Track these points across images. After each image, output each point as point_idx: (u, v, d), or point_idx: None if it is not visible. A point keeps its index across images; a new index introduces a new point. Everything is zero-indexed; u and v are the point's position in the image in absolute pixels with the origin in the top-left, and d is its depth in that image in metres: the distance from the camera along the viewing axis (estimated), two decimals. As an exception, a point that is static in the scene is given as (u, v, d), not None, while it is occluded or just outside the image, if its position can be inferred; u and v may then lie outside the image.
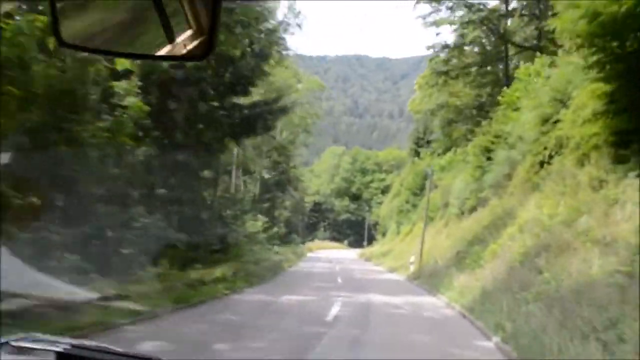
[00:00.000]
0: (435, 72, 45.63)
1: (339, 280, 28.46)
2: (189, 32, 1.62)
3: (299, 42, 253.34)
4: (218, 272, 22.25)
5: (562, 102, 20.29)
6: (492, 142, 32.05)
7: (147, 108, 15.79)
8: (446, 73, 44.86)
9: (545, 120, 22.26)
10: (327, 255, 63.74)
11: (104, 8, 1.62)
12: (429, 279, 26.47)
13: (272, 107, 27.04)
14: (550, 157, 21.12)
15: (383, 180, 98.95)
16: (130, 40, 1.67)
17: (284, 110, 28.67)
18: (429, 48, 46.23)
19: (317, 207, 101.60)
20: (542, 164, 22.01)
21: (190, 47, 1.61)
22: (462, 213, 33.88)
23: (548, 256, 13.76)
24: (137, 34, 1.65)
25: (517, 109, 28.82)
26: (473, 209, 31.92)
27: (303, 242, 79.26)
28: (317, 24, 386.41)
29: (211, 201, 33.78)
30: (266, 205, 46.71)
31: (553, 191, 17.79)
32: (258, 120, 26.43)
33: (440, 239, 34.66)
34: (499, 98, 33.81)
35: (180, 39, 1.61)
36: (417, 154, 60.03)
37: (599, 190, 14.03)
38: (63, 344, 1.80)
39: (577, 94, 18.21)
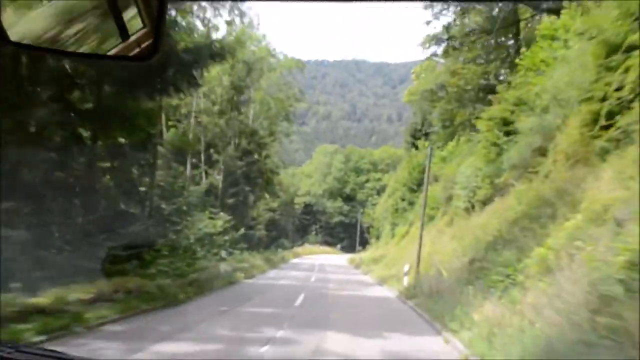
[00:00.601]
0: (434, 39, 36.61)
1: (299, 300, 19.41)
2: (136, 34, 1.58)
3: (296, 47, 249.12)
4: (106, 288, 13.75)
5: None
6: (512, 112, 23.27)
7: None
8: (448, 40, 35.90)
9: (612, 50, 13.63)
10: (312, 261, 54.74)
11: (52, 6, 1.55)
12: (428, 299, 17.46)
13: (200, 54, 18.16)
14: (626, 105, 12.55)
15: (379, 180, 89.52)
16: (79, 39, 1.60)
17: (213, 56, 19.74)
18: (428, 23, 37.59)
19: (308, 209, 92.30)
20: (610, 116, 13.23)
21: (137, 48, 1.57)
22: (472, 207, 24.94)
23: None
24: (86, 34, 1.59)
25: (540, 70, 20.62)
26: (488, 200, 23.12)
27: (292, 247, 70.98)
28: (314, 28, 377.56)
29: (145, 192, 25.16)
30: (231, 201, 37.64)
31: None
32: (179, 72, 17.56)
33: (443, 242, 25.74)
34: (518, 61, 25.58)
35: (128, 40, 1.58)
36: (415, 147, 50.97)
37: None
38: (7, 348, 1.81)
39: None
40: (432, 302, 16.55)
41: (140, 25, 1.56)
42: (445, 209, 31.43)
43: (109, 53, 1.60)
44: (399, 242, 43.90)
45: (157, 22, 1.48)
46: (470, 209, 25.05)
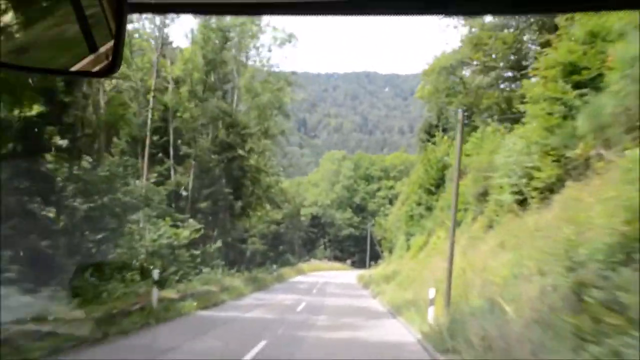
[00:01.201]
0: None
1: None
2: (98, 50, 1.53)
3: (307, 60, 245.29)
4: None
5: None
6: (584, 54, 15.03)
7: None
8: None
9: None
10: (315, 280, 46.19)
11: (14, 20, 1.49)
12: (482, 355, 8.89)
13: None
14: None
15: (391, 188, 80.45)
16: (38, 55, 1.55)
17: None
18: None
19: (315, 221, 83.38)
20: None
21: (98, 64, 1.52)
22: (524, 200, 16.46)
23: None
24: (47, 49, 1.54)
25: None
26: (554, 186, 14.74)
27: (297, 263, 62.92)
28: (325, 41, 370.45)
29: (61, 188, 17.53)
30: (204, 205, 29.33)
31: None
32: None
33: (482, 253, 17.28)
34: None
35: (89, 57, 1.53)
36: (432, 142, 42.45)
37: None
38: None
39: None
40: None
41: (104, 39, 1.49)
42: (478, 208, 22.92)
43: (71, 69, 1.53)
44: (416, 255, 35.25)
45: (115, 37, 1.41)
46: (522, 204, 16.56)
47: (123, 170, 21.18)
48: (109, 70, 1.50)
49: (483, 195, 22.30)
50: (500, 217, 18.71)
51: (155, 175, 27.23)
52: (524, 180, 16.37)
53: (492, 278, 13.74)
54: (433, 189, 38.55)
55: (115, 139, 27.52)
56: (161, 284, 21.94)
